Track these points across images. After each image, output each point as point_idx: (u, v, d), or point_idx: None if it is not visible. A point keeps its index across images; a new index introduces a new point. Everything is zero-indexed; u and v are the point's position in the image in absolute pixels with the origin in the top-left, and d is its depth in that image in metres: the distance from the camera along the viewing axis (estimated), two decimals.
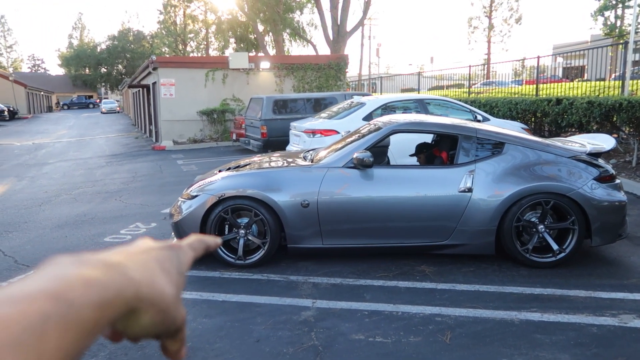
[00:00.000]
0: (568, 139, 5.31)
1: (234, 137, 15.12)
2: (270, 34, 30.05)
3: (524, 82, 18.39)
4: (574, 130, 9.42)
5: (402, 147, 6.85)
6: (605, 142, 4.75)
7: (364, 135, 4.80)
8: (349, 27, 24.29)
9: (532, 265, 4.26)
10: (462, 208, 4.29)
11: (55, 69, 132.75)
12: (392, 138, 5.92)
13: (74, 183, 9.98)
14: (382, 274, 4.25)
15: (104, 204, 7.71)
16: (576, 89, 12.26)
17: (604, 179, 4.31)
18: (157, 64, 16.70)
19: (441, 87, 23.69)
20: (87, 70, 70.27)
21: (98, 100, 67.89)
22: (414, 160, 6.07)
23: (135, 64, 60.60)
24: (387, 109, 8.45)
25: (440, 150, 5.13)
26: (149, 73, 18.77)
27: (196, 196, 4.59)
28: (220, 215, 4.47)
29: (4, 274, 4.58)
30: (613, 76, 17.70)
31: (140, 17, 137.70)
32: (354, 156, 4.41)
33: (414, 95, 9.30)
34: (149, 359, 2.97)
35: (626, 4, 31.43)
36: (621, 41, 21.03)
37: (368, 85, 31.56)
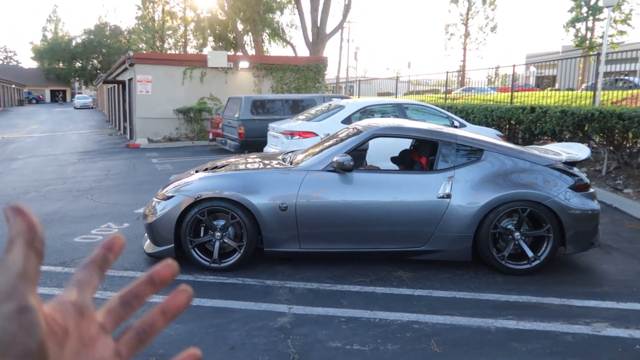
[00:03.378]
0: (544, 147, 5.39)
1: (211, 136, 14.94)
2: (250, 33, 29.85)
3: (498, 90, 18.71)
4: (547, 138, 9.61)
5: (379, 151, 6.85)
6: (580, 151, 4.84)
7: (343, 139, 4.77)
8: (328, 30, 24.31)
9: (508, 272, 4.29)
10: (441, 214, 4.30)
11: (28, 62, 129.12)
12: (371, 142, 5.91)
13: (44, 180, 9.68)
14: (360, 280, 4.22)
15: (75, 202, 7.49)
16: (548, 98, 12.54)
17: (579, 187, 4.38)
18: (133, 60, 16.38)
19: (418, 92, 23.92)
20: (61, 64, 68.53)
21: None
22: (392, 165, 6.07)
23: (111, 60, 59.41)
24: (365, 112, 8.45)
25: (420, 155, 5.14)
26: (125, 69, 18.40)
27: (171, 197, 4.47)
28: (196, 217, 4.37)
29: None
30: (583, 86, 18.20)
31: (118, 11, 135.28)
32: (334, 160, 4.37)
33: (392, 100, 9.34)
34: None
35: (597, 17, 32.34)
36: (593, 53, 21.62)
37: (346, 88, 31.66)
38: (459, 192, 4.32)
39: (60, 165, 11.85)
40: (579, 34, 33.65)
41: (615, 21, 29.88)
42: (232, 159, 5.43)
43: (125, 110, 19.96)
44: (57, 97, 67.26)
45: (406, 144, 6.40)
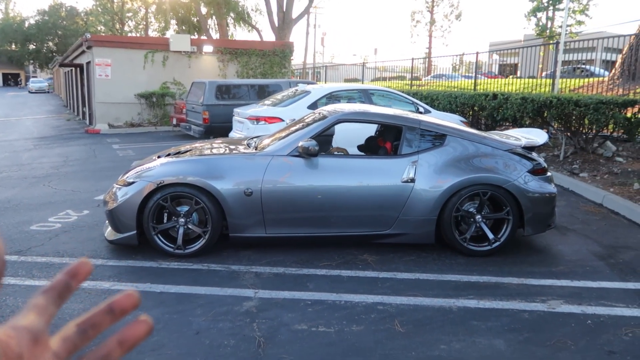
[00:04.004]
0: (504, 132, 5.52)
1: (174, 122, 14.62)
2: (214, 17, 29.20)
3: (462, 76, 19.04)
4: (508, 124, 9.85)
5: (346, 137, 6.86)
6: (538, 136, 4.98)
7: (309, 124, 4.75)
8: (294, 14, 24.06)
9: (470, 254, 4.40)
10: (405, 198, 4.36)
11: None
12: (337, 127, 5.92)
13: None
14: (326, 263, 4.24)
15: (31, 189, 7.21)
16: (510, 85, 12.84)
17: (537, 171, 4.52)
18: (91, 43, 15.78)
19: (385, 79, 24.06)
20: (13, 46, 65.33)
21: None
22: (358, 152, 6.10)
23: (67, 42, 57.03)
24: (331, 98, 8.44)
25: (385, 140, 5.18)
26: (83, 52, 17.72)
27: (133, 183, 4.36)
28: (159, 203, 4.28)
29: None
30: (543, 74, 18.72)
31: None
32: (299, 145, 4.35)
33: (358, 86, 9.35)
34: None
35: (557, 6, 33.18)
36: (552, 41, 22.24)
37: (312, 73, 31.52)
38: (422, 176, 4.38)
39: (14, 152, 11.36)
40: (540, 23, 34.47)
41: (574, 11, 30.76)
42: (195, 144, 5.33)
43: (84, 95, 19.26)
44: (9, 81, 64.22)
45: (372, 130, 6.44)
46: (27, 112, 24.53)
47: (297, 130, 4.77)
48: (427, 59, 25.97)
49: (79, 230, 5.13)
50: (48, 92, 48.42)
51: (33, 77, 63.49)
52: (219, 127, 11.32)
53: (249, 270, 4.09)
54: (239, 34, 32.87)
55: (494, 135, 5.01)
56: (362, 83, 19.90)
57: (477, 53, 12.78)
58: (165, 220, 4.39)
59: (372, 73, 25.92)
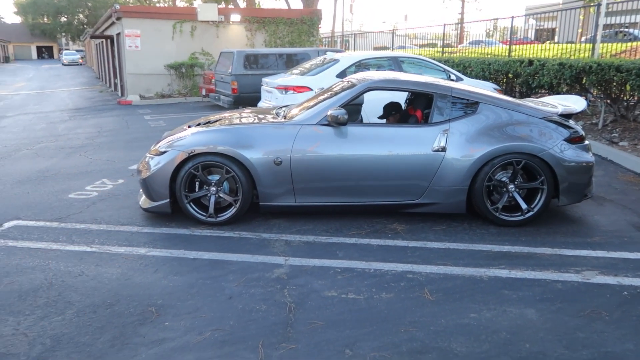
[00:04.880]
0: (540, 99, 5.34)
1: (204, 92, 14.71)
2: None
3: (504, 43, 18.38)
4: (544, 91, 9.52)
5: (375, 105, 6.77)
6: (576, 103, 4.80)
7: (337, 93, 4.69)
8: None
9: (501, 224, 4.34)
10: (435, 167, 4.30)
11: (11, 17, 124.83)
12: (366, 96, 5.83)
13: (35, 137, 9.57)
14: (355, 232, 4.26)
15: (68, 159, 7.43)
16: (547, 51, 12.33)
17: (574, 140, 4.37)
18: (120, 14, 15.88)
19: (416, 46, 23.44)
20: (45, 19, 66.39)
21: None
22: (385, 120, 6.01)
23: (97, 14, 57.55)
24: (360, 66, 8.30)
25: (415, 108, 5.08)
26: (113, 23, 17.87)
27: (165, 152, 4.44)
28: (190, 172, 4.35)
29: None
30: (583, 39, 17.87)
31: None
32: (328, 113, 4.32)
33: (388, 53, 9.15)
34: (118, 317, 2.92)
35: None
36: (594, 3, 21.13)
37: (341, 42, 30.98)
38: (454, 145, 4.30)
39: (51, 123, 11.69)
40: None
41: None
42: (225, 114, 5.36)
43: (115, 67, 19.52)
44: (44, 54, 65.49)
45: (399, 97, 6.33)
46: (61, 85, 25.10)
47: (326, 99, 4.73)
48: (459, 25, 25.12)
49: (115, 199, 5.28)
50: (81, 64, 49.24)
51: (66, 49, 64.53)
52: (247, 97, 11.33)
53: (279, 238, 4.14)
54: (266, 2, 32.43)
55: (529, 102, 4.85)
56: (392, 50, 19.46)
57: (513, 17, 12.28)
58: (197, 189, 4.47)
59: (402, 40, 25.28)
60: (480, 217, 4.45)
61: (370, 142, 4.35)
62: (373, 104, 6.70)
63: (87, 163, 7.11)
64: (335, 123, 4.32)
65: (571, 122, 4.55)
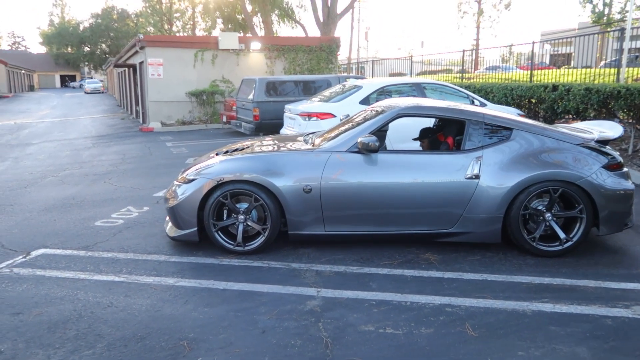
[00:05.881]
0: (573, 125, 5.22)
1: (224, 119, 14.86)
2: (259, 14, 29.48)
3: (521, 68, 18.32)
4: (570, 116, 9.37)
5: (399, 132, 6.69)
6: (612, 129, 4.67)
7: (367, 119, 4.64)
8: (339, 9, 23.93)
9: (539, 254, 4.18)
10: (469, 195, 4.18)
11: (37, 47, 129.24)
12: (391, 123, 5.76)
13: (60, 164, 9.69)
14: (387, 262, 4.14)
15: (93, 186, 7.47)
16: (567, 76, 12.21)
17: (612, 167, 4.23)
18: (144, 43, 16.25)
19: (431, 72, 23.49)
20: (69, 49, 68.52)
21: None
22: (415, 145, 5.94)
23: (119, 43, 59.25)
24: (383, 92, 8.28)
25: (445, 135, 5.00)
26: (136, 52, 18.29)
27: (193, 180, 4.40)
28: (219, 200, 4.30)
29: None
30: (602, 63, 17.69)
31: None
32: (359, 140, 4.26)
33: (411, 79, 9.13)
34: (149, 351, 2.82)
35: None
36: (614, 28, 21.02)
37: (356, 69, 31.25)
38: (488, 172, 4.19)
39: (75, 150, 11.86)
40: (596, 10, 32.76)
41: None
42: (252, 142, 5.33)
43: (137, 94, 19.90)
44: (67, 82, 67.34)
45: (426, 124, 6.26)
46: (84, 112, 25.64)
47: (355, 125, 4.68)
48: (473, 51, 25.19)
49: (141, 226, 5.25)
50: (102, 92, 50.45)
51: (88, 78, 66.31)
52: (269, 124, 11.38)
53: (310, 268, 4.04)
54: (283, 30, 33.12)
55: (563, 128, 4.74)
56: (411, 77, 19.51)
57: (533, 43, 12.23)
58: (225, 217, 4.41)
59: (419, 67, 25.38)
60: (516, 247, 4.30)
61: (401, 170, 4.26)
62: (395, 130, 6.62)
63: (112, 190, 7.14)
64: (366, 150, 4.25)
65: (608, 149, 4.42)
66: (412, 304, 3.37)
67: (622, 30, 10.16)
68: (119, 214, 5.77)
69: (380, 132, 5.37)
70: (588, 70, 12.20)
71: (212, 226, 4.33)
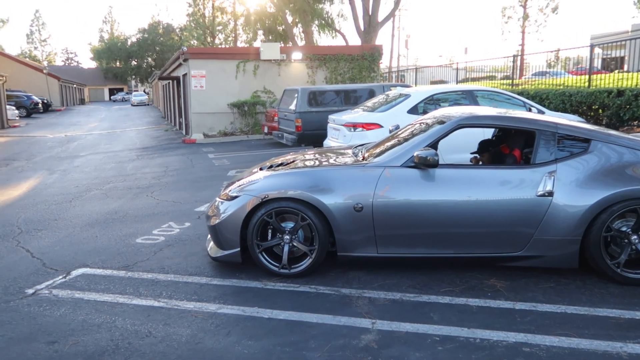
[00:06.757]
0: None
1: (266, 130, 14.73)
2: (299, 25, 29.54)
3: (571, 73, 17.42)
4: (636, 124, 8.63)
5: (450, 144, 6.23)
6: None
7: (423, 131, 4.26)
8: (380, 18, 23.58)
9: (624, 282, 3.66)
10: (541, 214, 3.72)
11: (88, 62, 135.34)
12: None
13: (105, 177, 9.74)
14: (447, 289, 3.72)
15: (136, 200, 7.38)
16: (626, 80, 11.37)
17: None
18: (188, 55, 16.42)
19: (474, 79, 22.74)
20: (118, 64, 71.14)
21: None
22: (466, 159, 5.48)
23: (164, 57, 60.99)
24: (432, 101, 7.85)
25: (511, 147, 4.54)
26: (180, 65, 18.54)
27: (236, 197, 4.13)
28: (263, 219, 4.01)
29: (31, 278, 4.23)
30: None
31: (170, 9, 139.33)
32: (415, 154, 3.88)
33: (462, 87, 8.66)
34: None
35: None
36: None
37: (397, 77, 30.75)
38: (563, 188, 3.72)
39: (120, 162, 11.97)
40: None
41: None
42: (296, 155, 5.04)
43: (180, 106, 20.17)
44: (115, 96, 69.91)
45: (484, 136, 5.80)
46: (130, 124, 26.28)
47: (408, 138, 4.31)
48: (519, 56, 24.23)
49: (182, 244, 5.04)
50: (148, 104, 51.95)
51: (135, 91, 68.54)
52: (311, 135, 11.13)
53: (362, 294, 3.68)
54: (323, 40, 33.05)
55: None
56: (456, 84, 18.88)
57: (592, 46, 11.47)
58: (269, 237, 4.11)
59: (461, 74, 24.66)
60: (595, 273, 3.80)
61: (462, 186, 3.84)
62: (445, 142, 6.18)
63: (154, 204, 7.02)
64: (423, 165, 3.86)
65: None
66: (482, 342, 2.95)
67: None
68: (160, 230, 5.59)
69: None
70: None
71: (255, 247, 4.04)
